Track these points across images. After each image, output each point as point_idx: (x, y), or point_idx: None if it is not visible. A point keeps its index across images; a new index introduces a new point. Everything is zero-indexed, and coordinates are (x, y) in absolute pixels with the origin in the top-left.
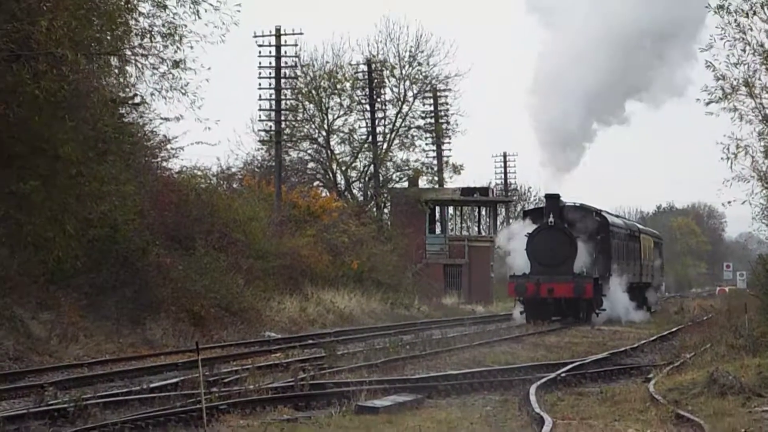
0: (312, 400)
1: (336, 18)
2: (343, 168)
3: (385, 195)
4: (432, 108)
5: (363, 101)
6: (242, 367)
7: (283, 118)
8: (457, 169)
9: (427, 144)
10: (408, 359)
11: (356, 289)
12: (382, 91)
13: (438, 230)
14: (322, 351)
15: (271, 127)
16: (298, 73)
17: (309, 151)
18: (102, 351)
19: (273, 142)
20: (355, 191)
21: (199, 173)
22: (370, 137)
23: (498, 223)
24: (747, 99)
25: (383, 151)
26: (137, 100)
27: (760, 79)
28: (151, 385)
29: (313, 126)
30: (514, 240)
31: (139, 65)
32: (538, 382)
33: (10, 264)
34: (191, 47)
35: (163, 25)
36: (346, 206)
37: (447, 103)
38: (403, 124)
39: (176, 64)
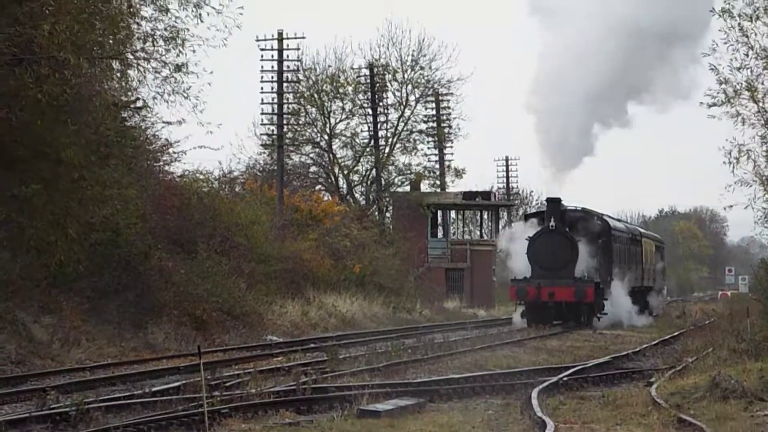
0: (314, 404)
1: (338, 21)
2: (345, 172)
3: (387, 199)
4: (434, 112)
5: (365, 105)
6: (244, 370)
7: (285, 121)
8: (459, 173)
9: (429, 148)
10: (410, 363)
11: (358, 293)
12: (385, 95)
13: (440, 234)
14: (324, 355)
15: (273, 130)
16: (301, 77)
17: (311, 155)
18: (104, 355)
19: (275, 145)
20: (357, 195)
21: (202, 177)
22: (372, 141)
23: (500, 227)
24: (749, 103)
25: (385, 155)
26: (139, 103)
27: (762, 83)
28: (153, 389)
29: (315, 130)
30: (514, 242)
31: (141, 69)
32: (540, 386)
33: (12, 268)
34: (193, 51)
35: (165, 29)
36: (348, 210)
37: (449, 107)
38: (405, 128)
39: (178, 67)
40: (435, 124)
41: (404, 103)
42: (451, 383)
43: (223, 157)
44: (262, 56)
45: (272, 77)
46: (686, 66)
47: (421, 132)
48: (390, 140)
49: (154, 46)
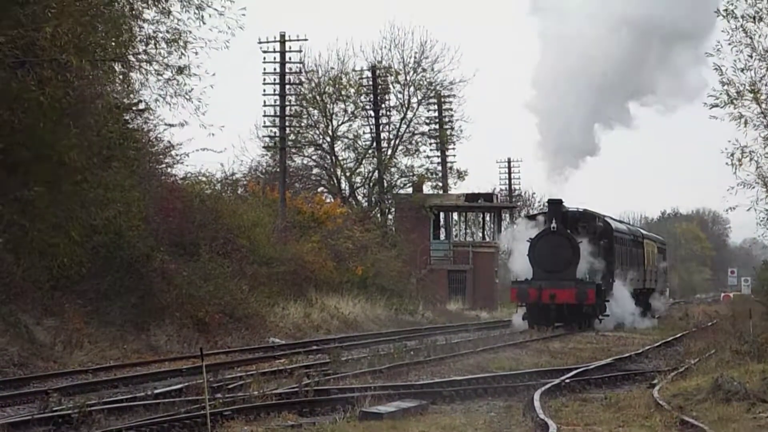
0: (316, 406)
1: (341, 23)
2: (348, 174)
3: (390, 201)
4: (436, 114)
5: (367, 107)
6: (246, 373)
7: (287, 124)
8: (461, 175)
9: (431, 150)
10: (412, 365)
11: (360, 295)
12: (387, 97)
13: (442, 236)
14: (327, 357)
15: (275, 133)
16: (303, 79)
17: (313, 157)
18: (106, 357)
19: (277, 148)
20: (359, 197)
21: (204, 179)
22: (375, 143)
23: (502, 229)
24: (752, 104)
25: (387, 157)
26: (142, 106)
27: (766, 84)
28: (156, 391)
29: (317, 132)
30: (517, 242)
31: (144, 71)
32: (543, 387)
33: (15, 270)
34: (196, 53)
35: (168, 31)
36: (350, 212)
37: (451, 109)
38: (407, 130)
39: (180, 70)
40: (437, 126)
41: (406, 105)
42: (454, 385)
43: (225, 160)
44: (264, 58)
45: (274, 79)
46: (690, 67)
47: (423, 134)
48: (392, 142)
49: (156, 48)
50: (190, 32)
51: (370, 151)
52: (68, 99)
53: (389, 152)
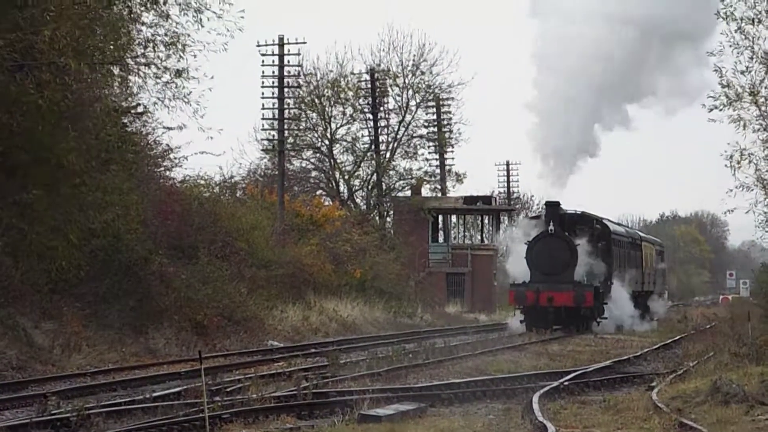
0: (315, 409)
1: (339, 25)
2: (346, 177)
3: (388, 204)
4: (435, 116)
5: (366, 110)
6: (245, 376)
7: (286, 127)
8: (459, 178)
9: (430, 153)
10: (411, 368)
11: (359, 298)
12: (385, 100)
13: (441, 239)
14: (325, 360)
15: (274, 135)
16: (301, 82)
17: (312, 160)
18: (105, 360)
19: (276, 150)
20: (358, 200)
21: (202, 182)
22: (373, 146)
23: (501, 231)
24: (751, 107)
25: (386, 159)
26: (140, 109)
27: (766, 87)
28: (154, 395)
29: (316, 135)
30: (517, 242)
31: (142, 74)
32: (541, 390)
33: (14, 273)
34: (194, 56)
35: (166, 35)
36: (348, 215)
37: (450, 112)
38: (405, 133)
39: (179, 73)
40: (436, 129)
41: (405, 107)
42: (452, 388)
43: (224, 163)
44: (263, 61)
45: (273, 82)
46: (691, 68)
47: (421, 137)
48: (391, 145)
49: (154, 51)
50: (189, 35)
51: (368, 154)
52: (67, 102)
53: (388, 155)
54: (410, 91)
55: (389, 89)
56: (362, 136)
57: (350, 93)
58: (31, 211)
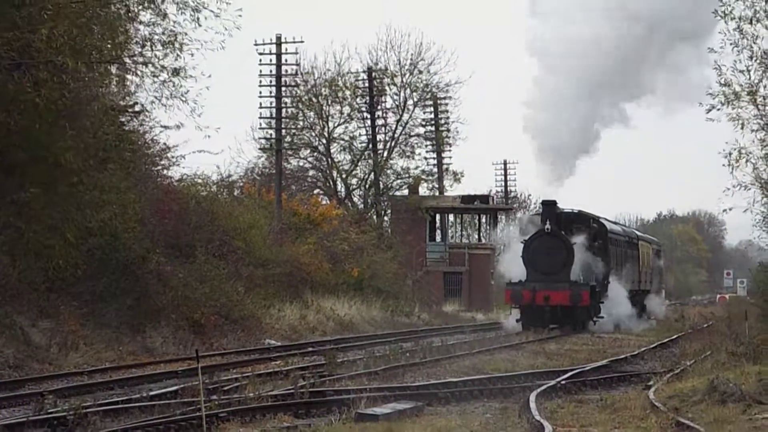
0: (312, 408)
1: (337, 25)
2: (344, 176)
3: (386, 203)
4: (432, 116)
5: (363, 109)
6: (242, 374)
7: (283, 126)
8: (457, 177)
9: (427, 152)
10: (408, 367)
11: (356, 297)
12: (383, 99)
13: (438, 238)
14: (322, 358)
15: (271, 134)
16: (299, 81)
17: (309, 159)
18: (102, 359)
19: (273, 149)
20: (355, 199)
21: (200, 181)
22: (371, 145)
23: (498, 230)
24: (749, 106)
25: (383, 158)
26: (137, 108)
27: (765, 86)
28: (151, 393)
29: (313, 134)
30: (518, 240)
31: (140, 73)
32: (538, 389)
33: (11, 272)
34: (191, 55)
35: (164, 33)
36: (346, 214)
37: (447, 111)
38: (403, 132)
39: (176, 72)
40: (433, 128)
41: (402, 106)
42: (450, 387)
43: (221, 161)
44: (260, 60)
45: (270, 81)
46: (692, 66)
47: (419, 136)
48: (388, 144)
49: (152, 50)
50: (186, 34)
51: (366, 153)
52: (64, 101)
53: (385, 154)
54: (408, 90)
55: (387, 88)
56: (360, 135)
57: (348, 92)
58: (28, 209)
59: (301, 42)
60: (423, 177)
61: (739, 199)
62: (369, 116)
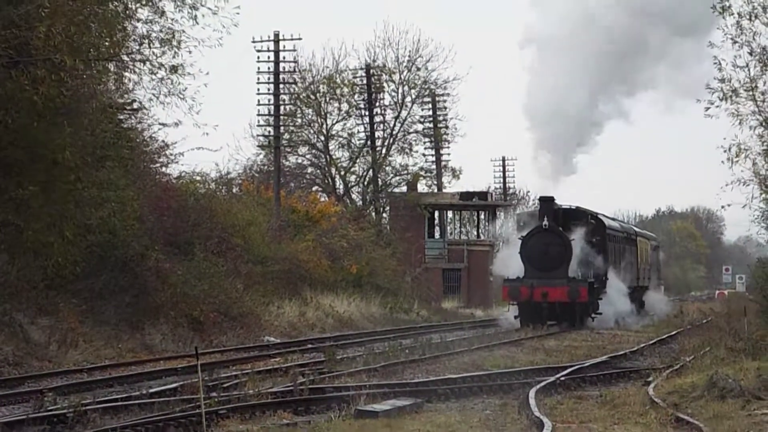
0: (311, 405)
1: (335, 22)
2: (342, 173)
3: (384, 199)
4: (430, 112)
5: (362, 106)
6: (241, 371)
7: (281, 123)
8: (456, 174)
9: (425, 148)
10: (407, 363)
11: (355, 294)
12: (381, 96)
13: (437, 235)
14: (322, 355)
15: (269, 132)
16: (297, 78)
17: (308, 156)
18: (101, 356)
19: (272, 147)
20: (354, 196)
21: (198, 178)
22: (369, 142)
23: (497, 227)
24: (748, 102)
25: (382, 155)
26: (135, 105)
27: (765, 82)
28: (151, 390)
29: (311, 131)
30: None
31: (137, 71)
32: (538, 385)
33: (10, 270)
34: (189, 52)
35: (161, 31)
36: (344, 211)
37: (445, 108)
38: (401, 129)
39: (174, 69)
40: (431, 125)
41: (401, 103)
42: (449, 383)
43: (220, 159)
44: (258, 57)
45: (268, 78)
46: (692, 62)
47: (417, 132)
48: (386, 141)
49: (150, 47)
50: (184, 31)
51: (364, 150)
52: (62, 99)
53: (384, 151)
54: (406, 87)
55: (385, 85)
56: (358, 132)
57: (346, 89)
58: (26, 207)
59: (299, 39)
60: (421, 174)
61: (737, 195)
62: (367, 113)
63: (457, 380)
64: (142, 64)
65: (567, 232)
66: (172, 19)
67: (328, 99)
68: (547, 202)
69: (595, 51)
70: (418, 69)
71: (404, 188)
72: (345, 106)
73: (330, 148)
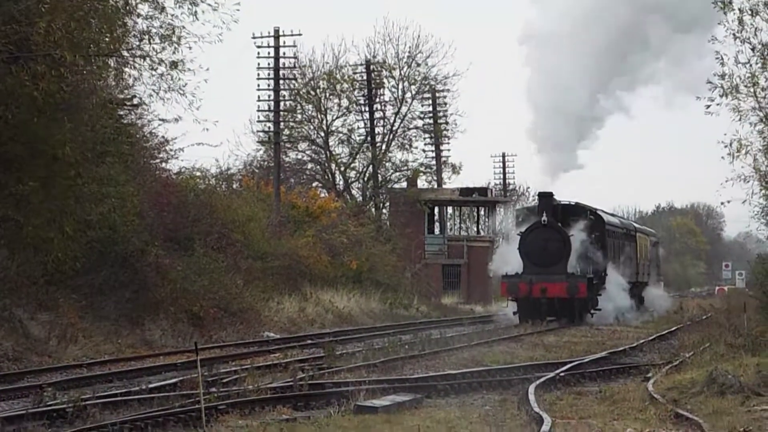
0: (311, 400)
1: (335, 17)
2: (342, 168)
3: (384, 195)
4: (431, 108)
5: (361, 102)
6: (241, 367)
7: (281, 118)
8: (455, 169)
9: (425, 144)
10: (407, 359)
11: (355, 290)
12: (381, 92)
13: (437, 230)
14: (321, 351)
15: (269, 127)
16: (297, 74)
17: (308, 152)
18: (101, 351)
19: (272, 142)
20: (354, 192)
21: (198, 174)
22: (369, 138)
23: (497, 223)
24: (749, 98)
25: (382, 151)
26: (136, 101)
27: (766, 79)
28: (150, 386)
29: (311, 127)
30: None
31: (138, 66)
32: (537, 381)
33: (10, 265)
34: (189, 48)
35: (161, 26)
36: (344, 207)
37: (445, 103)
38: (401, 125)
39: (174, 65)
40: (431, 120)
41: (401, 99)
42: (449, 379)
43: (220, 155)
44: (258, 53)
45: (269, 74)
46: (694, 57)
47: (417, 128)
48: (387, 137)
49: (150, 43)
50: (184, 27)
51: (364, 146)
52: (62, 94)
53: (384, 147)
54: (406, 83)
55: (385, 81)
56: (358, 127)
57: (346, 85)
58: (26, 203)
59: (299, 35)
60: (421, 169)
61: (737, 190)
62: (367, 109)
63: (457, 376)
64: (142, 59)
65: (566, 227)
66: (172, 15)
67: (328, 95)
68: (545, 197)
69: (595, 47)
70: (418, 65)
71: (404, 184)
72: (345, 102)
73: (330, 143)
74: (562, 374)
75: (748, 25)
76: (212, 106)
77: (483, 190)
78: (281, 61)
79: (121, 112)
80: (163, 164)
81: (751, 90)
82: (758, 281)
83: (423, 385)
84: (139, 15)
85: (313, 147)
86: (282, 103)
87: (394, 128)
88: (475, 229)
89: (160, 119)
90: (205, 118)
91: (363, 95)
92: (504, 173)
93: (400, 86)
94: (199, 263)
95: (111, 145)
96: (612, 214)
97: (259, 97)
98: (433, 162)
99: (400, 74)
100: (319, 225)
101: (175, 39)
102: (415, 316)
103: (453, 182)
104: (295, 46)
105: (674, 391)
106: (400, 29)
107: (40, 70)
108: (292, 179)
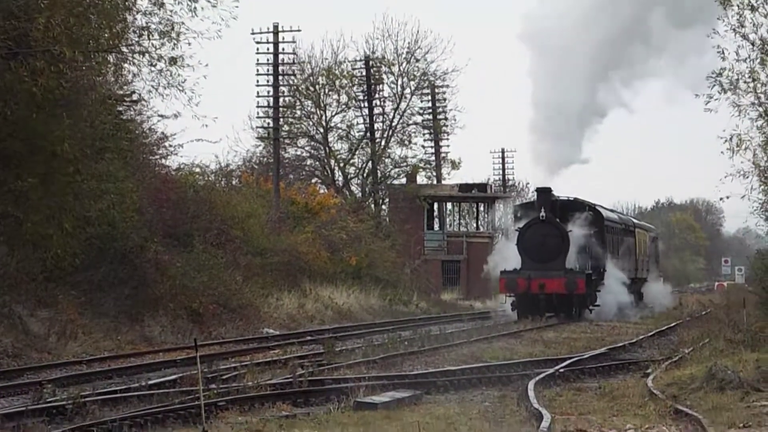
0: (310, 397)
1: (334, 13)
2: (341, 164)
3: (383, 191)
4: (430, 104)
5: (361, 98)
6: (241, 363)
7: (281, 114)
8: (455, 165)
9: (425, 140)
10: (406, 355)
11: (354, 286)
12: (380, 88)
13: (436, 226)
14: (321, 347)
15: (269, 123)
16: (296, 70)
17: (307, 148)
18: (100, 348)
19: (271, 138)
20: (353, 187)
21: (198, 170)
22: (368, 134)
23: (496, 218)
24: (749, 93)
25: (381, 147)
26: (135, 97)
27: (766, 74)
28: (150, 382)
29: (310, 123)
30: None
31: (137, 62)
32: (537, 377)
33: (9, 261)
34: (188, 44)
35: (161, 23)
36: (344, 203)
37: (445, 99)
38: (401, 121)
39: (173, 61)
40: (431, 116)
41: (400, 95)
42: (448, 375)
43: (219, 151)
44: (257, 49)
45: (268, 70)
46: (694, 53)
47: (416, 124)
48: (386, 133)
49: (149, 39)
50: (183, 23)
51: (363, 142)
52: (61, 90)
53: (383, 143)
54: (405, 79)
55: (384, 77)
56: (357, 123)
57: (345, 81)
58: (26, 199)
59: (298, 31)
60: (421, 165)
61: (737, 186)
62: (366, 105)
63: (456, 372)
64: (141, 55)
65: (564, 223)
66: (172, 11)
67: (327, 91)
68: (544, 193)
69: (595, 43)
70: (417, 60)
71: (403, 180)
72: (344, 98)
73: (329, 139)
74: (561, 370)
75: (747, 21)
76: (211, 102)
77: (482, 186)
78: (280, 57)
79: (121, 108)
80: (163, 160)
81: (751, 86)
82: (757, 277)
83: (422, 382)
84: (138, 11)
85: (313, 143)
86: (281, 99)
87: (393, 124)
88: (475, 225)
89: (159, 115)
90: (204, 114)
91: (362, 91)
92: (503, 169)
93: (399, 82)
94: (199, 259)
95: (110, 141)
96: (611, 210)
97: (258, 93)
98: (433, 158)
99: (399, 70)
100: (319, 221)
101: (174, 35)
102: (415, 312)
103: (452, 178)
104: (294, 42)
105: (674, 387)
106: (399, 25)
107: (39, 66)
108: (291, 175)
